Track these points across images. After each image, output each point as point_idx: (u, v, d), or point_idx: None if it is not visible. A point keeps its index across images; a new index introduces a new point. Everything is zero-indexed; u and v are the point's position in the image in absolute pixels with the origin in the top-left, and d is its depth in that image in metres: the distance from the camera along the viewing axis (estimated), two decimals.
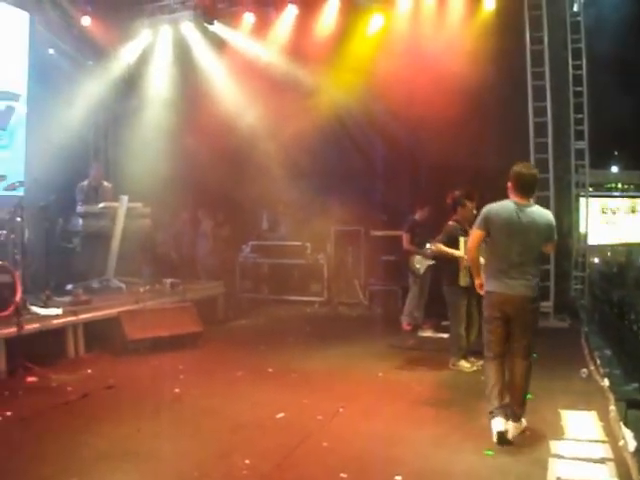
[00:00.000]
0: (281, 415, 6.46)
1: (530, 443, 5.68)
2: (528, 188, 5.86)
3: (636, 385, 13.06)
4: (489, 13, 11.61)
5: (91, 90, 12.64)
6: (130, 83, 12.97)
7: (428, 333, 10.40)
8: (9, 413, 6.41)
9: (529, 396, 6.78)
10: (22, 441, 5.75)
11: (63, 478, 4.94)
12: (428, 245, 9.39)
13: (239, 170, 12.82)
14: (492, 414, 5.74)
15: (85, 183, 10.82)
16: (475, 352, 7.96)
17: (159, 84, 13.16)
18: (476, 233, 6.03)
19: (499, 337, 5.87)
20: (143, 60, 13.15)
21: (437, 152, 11.07)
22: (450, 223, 8.46)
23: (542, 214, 5.89)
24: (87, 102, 12.54)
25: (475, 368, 8.10)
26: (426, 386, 7.60)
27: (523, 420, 5.85)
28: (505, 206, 5.86)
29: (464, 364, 8.26)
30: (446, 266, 8.47)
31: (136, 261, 11.13)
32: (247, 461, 5.28)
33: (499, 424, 5.67)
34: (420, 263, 10.19)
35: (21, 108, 11.47)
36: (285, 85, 12.47)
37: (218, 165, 12.48)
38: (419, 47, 11.34)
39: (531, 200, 5.89)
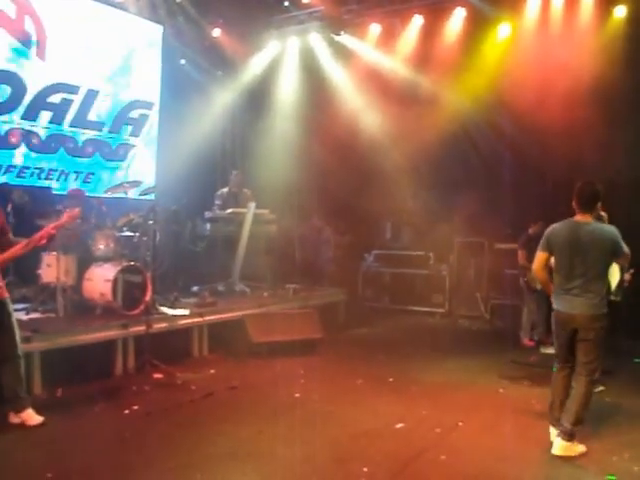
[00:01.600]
0: (400, 425, 6.44)
1: None
2: (587, 204, 5.87)
3: None
4: (620, 20, 11.19)
5: (221, 99, 13.03)
6: (259, 93, 13.24)
7: (550, 350, 10.08)
8: (136, 407, 6.69)
9: None
10: (148, 434, 6.00)
11: (187, 472, 5.10)
12: None
13: (363, 179, 12.86)
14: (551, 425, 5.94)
15: (226, 189, 11.13)
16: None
17: (286, 94, 13.40)
18: (539, 255, 6.08)
19: (565, 352, 5.99)
20: (271, 70, 13.41)
21: (566, 164, 10.77)
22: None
23: (603, 230, 5.87)
24: (216, 111, 12.93)
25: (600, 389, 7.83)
26: (546, 404, 7.40)
27: (576, 444, 5.73)
28: (565, 225, 5.93)
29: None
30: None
31: (261, 266, 11.34)
32: (365, 469, 5.30)
33: (552, 436, 5.87)
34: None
35: (154, 116, 11.97)
36: (410, 95, 12.44)
37: (342, 174, 12.59)
38: (547, 56, 11.05)
39: (590, 215, 5.90)
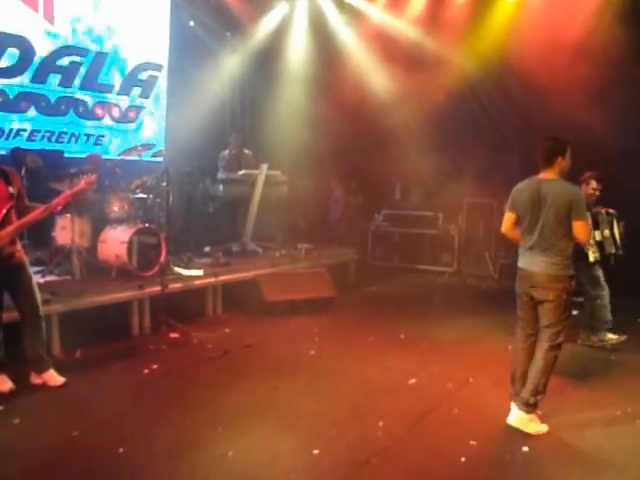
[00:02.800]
0: (413, 381, 6.60)
1: None
2: (546, 159, 5.57)
3: None
4: None
5: (230, 61, 12.98)
6: (268, 54, 13.19)
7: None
8: (155, 366, 6.83)
9: None
10: (168, 392, 6.17)
11: (208, 427, 5.27)
12: None
13: (373, 140, 12.88)
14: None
15: (227, 151, 11.18)
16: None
17: (296, 55, 13.34)
18: (506, 215, 5.85)
19: (526, 315, 5.69)
20: (280, 31, 13.35)
21: (574, 128, 10.76)
22: None
23: (564, 187, 5.52)
24: (226, 72, 12.89)
25: (624, 338, 8.05)
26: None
27: (535, 419, 5.49)
28: (528, 183, 5.66)
29: (611, 337, 8.08)
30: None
31: (272, 226, 11.44)
32: (381, 423, 5.46)
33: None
34: None
35: (163, 78, 11.98)
36: (419, 57, 12.37)
37: (353, 135, 12.63)
38: (557, 17, 10.97)
39: (552, 171, 5.57)
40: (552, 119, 10.30)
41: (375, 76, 12.95)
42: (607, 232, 8.01)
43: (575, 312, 8.58)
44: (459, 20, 12.02)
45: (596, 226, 7.98)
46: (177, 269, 8.98)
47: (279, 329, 8.55)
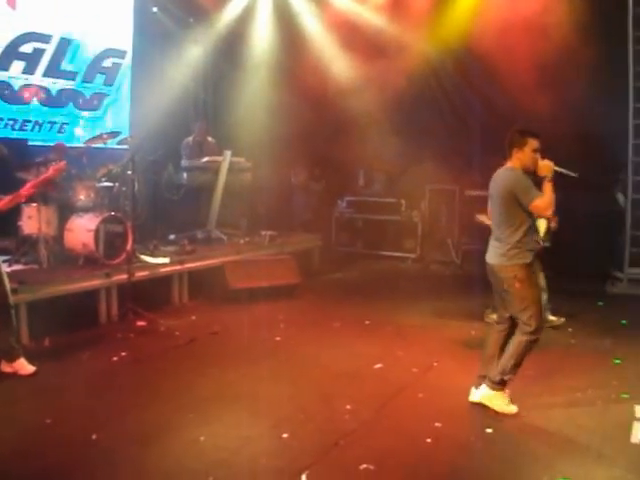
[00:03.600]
0: (378, 366, 6.74)
1: (616, 407, 5.76)
2: (507, 150, 5.67)
3: None
4: None
5: (194, 48, 12.93)
6: (231, 41, 13.16)
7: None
8: (124, 354, 6.90)
9: (617, 361, 6.94)
10: (138, 380, 6.23)
11: (180, 413, 5.35)
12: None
13: (337, 127, 12.93)
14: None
15: (190, 139, 11.21)
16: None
17: (259, 42, 13.33)
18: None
19: (497, 303, 5.92)
20: (244, 18, 13.31)
21: (535, 115, 10.96)
22: None
23: (503, 176, 5.64)
24: (190, 59, 12.86)
25: (564, 319, 8.38)
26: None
27: (502, 397, 5.61)
28: (495, 174, 5.77)
29: (552, 318, 8.38)
30: None
31: (236, 214, 11.49)
32: (348, 407, 5.59)
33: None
34: None
35: (127, 65, 11.92)
36: (383, 43, 12.43)
37: (316, 122, 12.67)
38: (519, 8, 11.13)
39: (509, 162, 5.64)
40: (513, 105, 10.50)
41: (339, 62, 13.00)
42: (543, 222, 8.22)
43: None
44: (422, 7, 12.14)
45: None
46: (143, 257, 9.01)
47: (245, 316, 8.60)
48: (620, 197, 11.07)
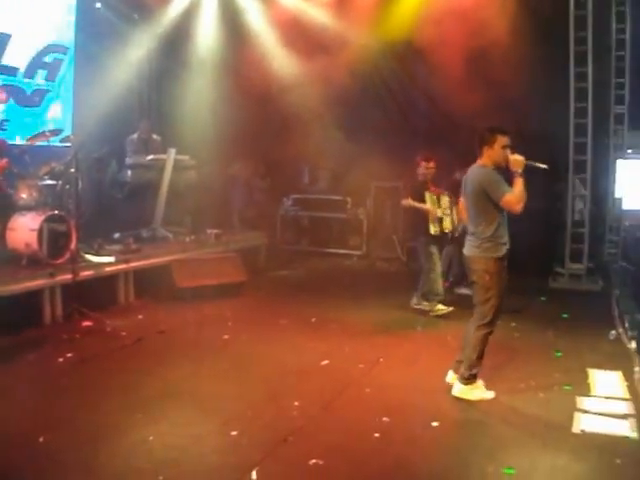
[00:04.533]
0: (325, 362, 6.80)
1: (558, 398, 5.95)
2: (477, 148, 5.92)
3: None
4: None
5: (138, 44, 12.79)
6: (176, 37, 13.05)
7: (464, 290, 10.60)
8: (70, 355, 6.81)
9: (558, 354, 7.14)
10: (85, 380, 6.16)
11: (128, 413, 5.32)
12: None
13: (282, 124, 12.91)
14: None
15: (135, 136, 11.09)
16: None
17: (205, 39, 13.23)
18: (461, 200, 6.31)
19: None
20: (189, 14, 13.21)
21: (477, 113, 11.14)
22: (417, 180, 9.22)
23: (475, 172, 5.90)
24: (134, 56, 12.70)
25: (452, 308, 8.91)
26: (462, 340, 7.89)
27: (475, 388, 5.88)
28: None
29: (441, 307, 8.91)
30: (416, 219, 9.04)
31: (181, 211, 11.44)
32: (296, 403, 5.64)
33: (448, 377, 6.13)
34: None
35: (69, 61, 11.74)
36: (328, 40, 12.45)
37: (262, 119, 12.68)
38: (462, 8, 11.28)
39: (480, 160, 5.89)
40: (456, 102, 10.67)
41: (283, 59, 13.00)
42: (447, 211, 9.06)
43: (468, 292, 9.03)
44: (366, 4, 12.20)
45: (438, 204, 8.97)
46: (88, 256, 8.90)
47: (192, 314, 8.61)
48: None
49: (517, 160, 5.64)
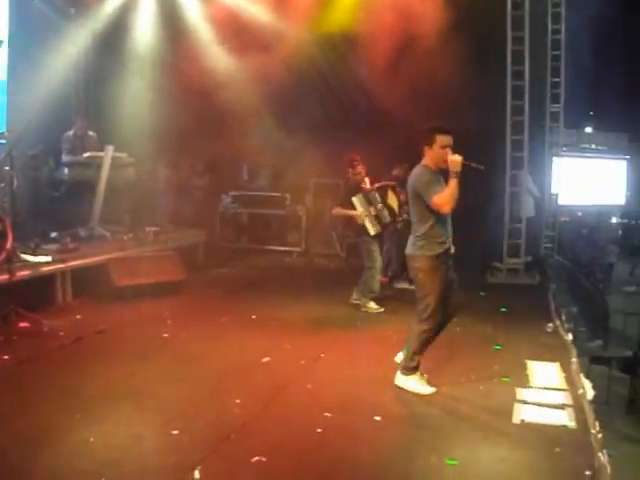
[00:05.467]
0: (266, 359, 6.83)
1: (498, 389, 6.12)
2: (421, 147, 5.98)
3: (600, 342, 13.77)
4: None
5: (75, 39, 12.57)
6: (114, 33, 12.86)
7: (403, 285, 10.74)
8: (7, 357, 6.67)
9: (497, 347, 7.32)
10: (23, 383, 6.04)
11: (69, 414, 5.25)
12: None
13: (220, 121, 12.87)
14: None
15: (71, 133, 10.92)
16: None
17: (143, 34, 13.07)
18: None
19: None
20: (126, 9, 13.03)
21: (416, 111, 11.29)
22: (349, 183, 9.40)
23: (413, 172, 5.98)
24: (71, 50, 12.49)
25: (382, 309, 9.12)
26: (402, 334, 7.93)
27: (412, 379, 6.00)
28: None
29: (372, 306, 9.10)
30: (353, 222, 9.21)
31: (119, 210, 11.31)
32: (238, 400, 5.65)
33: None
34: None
35: (3, 55, 11.48)
36: (268, 37, 12.48)
37: (200, 116, 12.60)
38: (399, 3, 11.41)
39: (423, 159, 5.94)
40: (394, 98, 10.79)
41: (222, 56, 12.96)
42: (380, 206, 9.24)
43: (407, 286, 9.17)
44: (309, 3, 12.24)
45: (370, 203, 9.07)
46: (24, 256, 8.73)
47: (131, 313, 8.54)
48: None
49: (454, 160, 5.68)
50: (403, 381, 6.00)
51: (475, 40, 10.92)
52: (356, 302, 9.23)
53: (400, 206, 9.34)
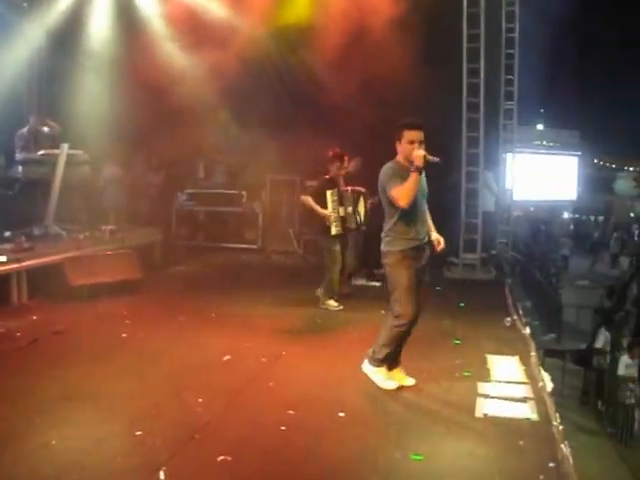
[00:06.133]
0: (227, 357, 6.78)
1: (459, 384, 6.18)
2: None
3: (553, 335, 14.11)
4: None
5: (28, 34, 12.35)
6: (68, 28, 12.65)
7: (362, 281, 10.79)
8: None
9: (457, 341, 7.38)
10: None
11: (27, 417, 5.15)
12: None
13: (176, 118, 12.79)
14: None
15: (24, 130, 10.75)
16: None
17: (98, 30, 12.89)
18: None
19: None
20: (82, 4, 12.83)
21: (372, 106, 11.36)
22: (325, 177, 9.13)
23: (381, 170, 5.93)
24: (24, 46, 12.26)
25: (342, 307, 9.05)
26: (362, 330, 8.01)
27: (377, 372, 5.98)
28: None
29: (332, 303, 9.05)
30: (316, 218, 9.13)
31: (75, 208, 11.16)
32: (200, 400, 5.59)
33: None
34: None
35: None
36: (224, 34, 12.43)
37: (156, 113, 12.50)
38: (355, 3, 11.44)
39: (396, 158, 5.89)
40: (352, 99, 10.81)
41: (177, 52, 12.87)
42: (350, 209, 9.01)
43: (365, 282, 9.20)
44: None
45: (341, 203, 8.92)
46: None
47: (88, 313, 8.42)
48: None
49: (417, 155, 5.63)
50: (370, 371, 5.99)
51: (431, 37, 10.98)
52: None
53: (366, 215, 9.22)
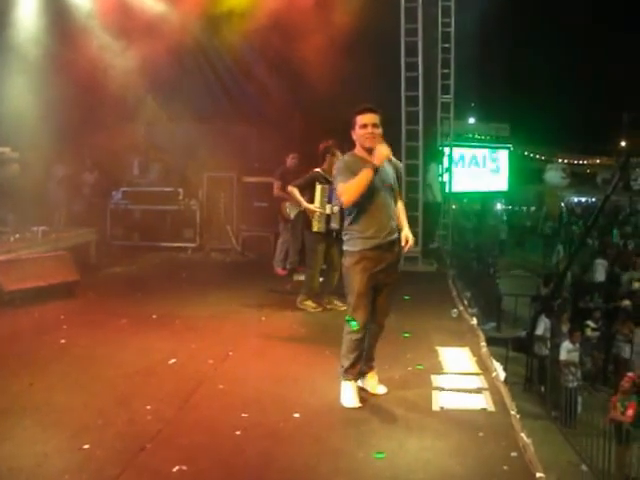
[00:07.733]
0: (173, 361, 6.55)
1: (413, 378, 6.11)
2: None
3: (493, 324, 14.33)
4: None
5: None
6: None
7: (303, 277, 10.61)
8: None
9: (406, 335, 7.30)
10: None
11: None
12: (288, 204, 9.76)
13: (109, 116, 12.49)
14: None
15: None
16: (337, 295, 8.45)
17: (27, 23, 12.44)
18: None
19: None
20: None
21: (312, 101, 11.25)
22: (316, 170, 8.59)
23: None
24: None
25: (321, 309, 8.69)
26: (309, 327, 7.93)
27: (343, 382, 5.55)
28: None
29: (310, 304, 8.73)
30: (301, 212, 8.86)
31: (3, 208, 10.73)
32: (148, 407, 5.36)
33: None
34: (291, 209, 10.11)
35: None
36: (157, 28, 12.17)
37: (88, 110, 12.17)
38: None
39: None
40: (291, 94, 10.68)
41: (111, 48, 12.55)
42: (336, 209, 8.22)
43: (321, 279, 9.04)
44: None
45: (329, 201, 8.41)
46: None
47: (23, 319, 8.06)
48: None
49: (381, 154, 5.27)
50: (341, 384, 5.55)
51: (370, 33, 10.93)
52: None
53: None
